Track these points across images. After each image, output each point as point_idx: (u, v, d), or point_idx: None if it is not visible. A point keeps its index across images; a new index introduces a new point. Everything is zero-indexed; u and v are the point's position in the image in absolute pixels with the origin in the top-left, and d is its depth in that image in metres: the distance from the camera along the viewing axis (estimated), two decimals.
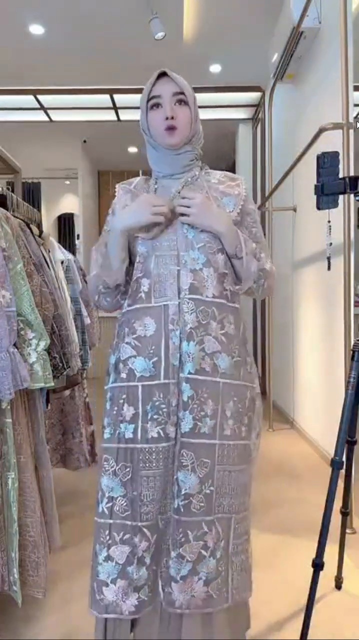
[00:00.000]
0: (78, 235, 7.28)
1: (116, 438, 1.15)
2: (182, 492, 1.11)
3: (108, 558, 1.13)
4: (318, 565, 1.35)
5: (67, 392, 2.23)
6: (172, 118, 1.17)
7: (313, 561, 1.35)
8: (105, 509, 1.14)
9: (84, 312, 2.23)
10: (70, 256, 2.24)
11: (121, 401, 1.15)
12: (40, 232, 1.96)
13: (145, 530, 1.13)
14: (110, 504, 1.14)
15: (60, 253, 2.12)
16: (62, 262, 2.11)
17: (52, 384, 1.51)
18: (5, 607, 1.58)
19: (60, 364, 1.74)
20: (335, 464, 1.37)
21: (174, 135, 1.19)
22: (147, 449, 1.12)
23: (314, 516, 1.55)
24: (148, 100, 1.20)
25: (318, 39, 3.17)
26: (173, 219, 1.17)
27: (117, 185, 1.31)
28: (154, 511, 1.13)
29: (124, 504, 1.13)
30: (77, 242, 7.39)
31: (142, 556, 1.13)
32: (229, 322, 1.17)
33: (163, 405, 1.11)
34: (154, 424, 1.11)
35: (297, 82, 3.71)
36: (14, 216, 1.65)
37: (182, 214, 1.15)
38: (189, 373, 1.11)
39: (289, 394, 4.02)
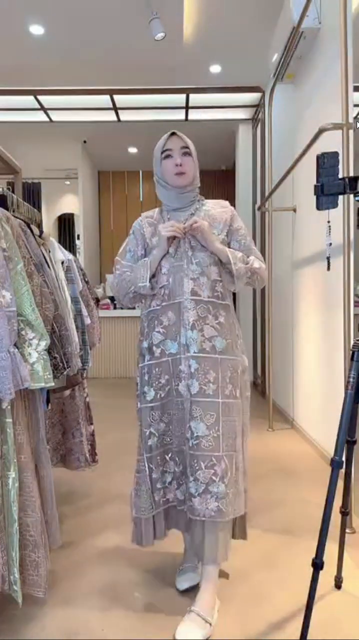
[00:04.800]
0: (78, 236, 7.28)
1: (158, 398, 1.58)
2: (194, 435, 1.51)
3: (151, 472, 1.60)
4: (317, 564, 1.35)
5: (67, 392, 2.24)
6: (181, 165, 1.56)
7: (313, 561, 1.36)
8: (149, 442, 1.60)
9: (84, 312, 2.23)
10: (70, 256, 2.24)
11: (157, 372, 1.58)
12: (41, 232, 1.96)
13: (174, 456, 1.60)
14: (153, 440, 1.59)
15: (60, 253, 2.12)
16: (62, 262, 2.11)
17: (53, 383, 1.51)
18: (5, 607, 1.58)
19: (61, 364, 1.74)
20: (335, 464, 1.37)
21: (182, 178, 1.58)
22: (176, 401, 1.56)
23: (314, 516, 1.56)
24: (162, 152, 1.58)
25: (317, 39, 3.17)
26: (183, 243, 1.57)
27: (142, 216, 1.71)
28: (177, 443, 1.57)
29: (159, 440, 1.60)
30: (77, 242, 7.39)
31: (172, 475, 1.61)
32: (221, 315, 1.57)
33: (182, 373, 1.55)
34: (180, 384, 1.55)
35: (297, 82, 3.72)
36: (15, 216, 1.65)
37: (193, 231, 1.53)
38: (194, 352, 1.52)
39: (289, 394, 4.03)
